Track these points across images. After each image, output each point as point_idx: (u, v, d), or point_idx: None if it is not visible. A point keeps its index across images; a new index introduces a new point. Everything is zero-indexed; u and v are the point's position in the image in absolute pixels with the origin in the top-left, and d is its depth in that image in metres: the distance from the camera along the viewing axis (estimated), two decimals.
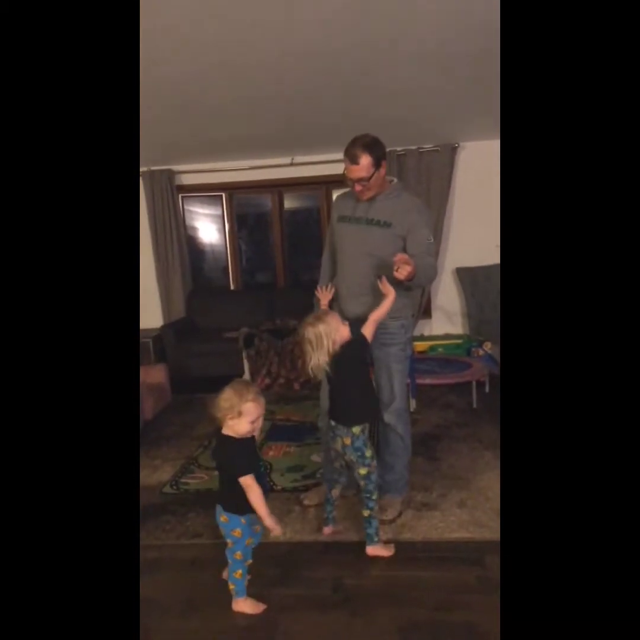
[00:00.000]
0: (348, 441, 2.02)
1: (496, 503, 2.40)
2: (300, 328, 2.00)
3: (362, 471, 2.04)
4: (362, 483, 2.06)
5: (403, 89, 3.49)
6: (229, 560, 1.83)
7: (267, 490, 1.98)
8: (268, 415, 3.75)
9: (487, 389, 3.94)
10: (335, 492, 2.19)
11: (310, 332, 1.93)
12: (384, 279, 2.03)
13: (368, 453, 2.03)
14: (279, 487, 2.68)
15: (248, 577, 1.87)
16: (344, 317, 2.32)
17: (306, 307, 2.45)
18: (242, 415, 1.74)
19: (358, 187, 2.14)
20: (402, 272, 1.94)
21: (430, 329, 4.99)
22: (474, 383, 3.70)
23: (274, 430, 3.46)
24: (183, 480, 2.83)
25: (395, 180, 2.30)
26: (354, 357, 2.00)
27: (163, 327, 4.66)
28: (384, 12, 2.52)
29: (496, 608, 1.76)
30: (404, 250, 2.14)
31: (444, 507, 2.41)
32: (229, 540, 1.82)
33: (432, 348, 4.55)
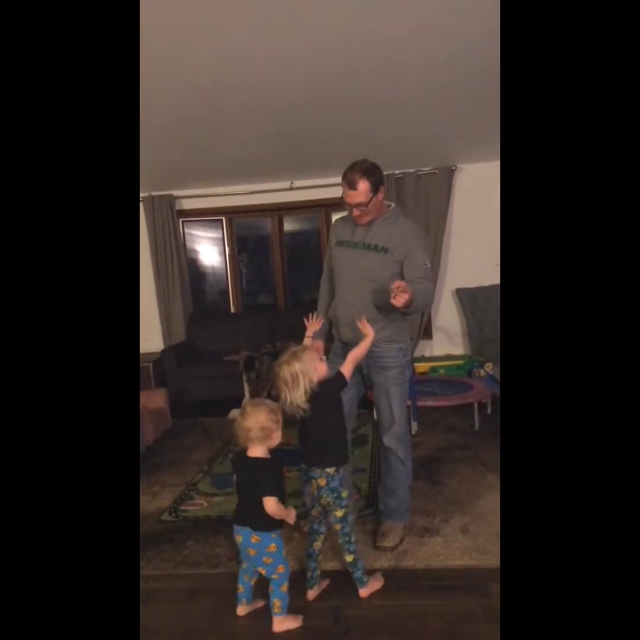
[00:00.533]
0: (323, 482, 1.91)
1: (499, 528, 2.36)
2: (275, 367, 1.91)
3: (339, 513, 1.92)
4: (338, 526, 1.94)
5: (402, 111, 3.54)
6: (274, 576, 1.84)
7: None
8: None
9: (489, 411, 3.91)
10: (318, 545, 2.01)
11: (285, 372, 1.85)
12: (363, 319, 2.00)
13: (344, 493, 1.93)
14: None
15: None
16: (342, 341, 2.32)
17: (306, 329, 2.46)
18: (278, 430, 1.85)
19: (356, 212, 2.16)
20: (399, 300, 1.94)
21: (431, 350, 4.98)
22: (475, 404, 3.67)
23: (273, 454, 3.42)
24: (182, 507, 2.80)
25: (393, 205, 2.31)
26: (332, 396, 1.94)
27: (163, 351, 4.66)
28: (382, 36, 2.56)
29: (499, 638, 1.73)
30: (401, 275, 2.15)
31: (446, 532, 2.37)
32: (266, 558, 1.83)
33: (433, 369, 4.53)
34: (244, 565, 1.93)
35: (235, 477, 1.99)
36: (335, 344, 2.40)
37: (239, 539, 1.87)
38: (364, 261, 2.20)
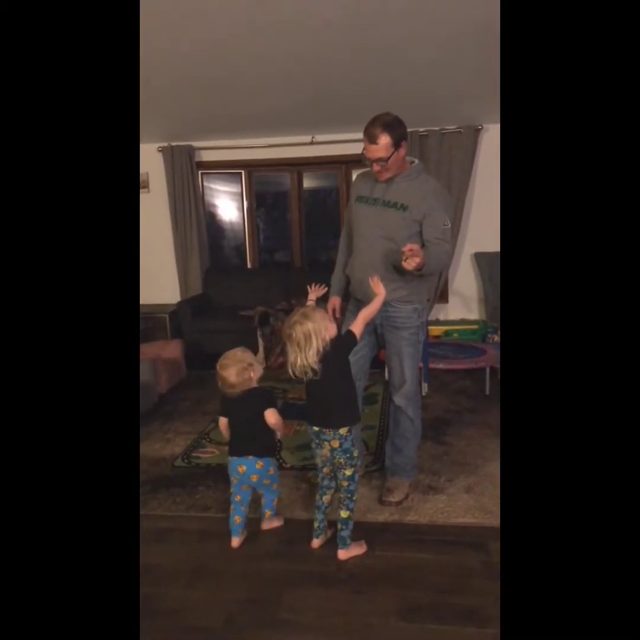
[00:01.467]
0: (336, 444, 1.94)
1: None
2: (285, 328, 1.91)
3: (348, 472, 1.97)
4: (345, 483, 1.99)
5: (427, 66, 3.42)
6: (268, 495, 2.18)
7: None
8: (280, 393, 3.79)
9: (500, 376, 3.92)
10: (327, 499, 2.07)
11: (298, 331, 1.84)
12: (376, 277, 2.01)
13: (355, 453, 1.98)
14: (288, 465, 2.72)
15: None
16: (357, 299, 2.31)
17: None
18: (252, 363, 2.09)
19: (376, 167, 2.12)
20: (410, 263, 1.94)
21: (446, 313, 4.96)
22: (487, 369, 3.68)
23: (286, 408, 3.49)
24: (194, 454, 2.88)
25: (416, 161, 2.25)
26: (342, 355, 1.95)
27: (179, 303, 4.70)
28: None
29: (498, 593, 1.79)
30: (420, 234, 2.13)
31: (451, 491, 2.42)
32: (266, 480, 2.12)
33: (447, 333, 4.53)
34: (238, 498, 2.11)
35: (228, 419, 2.14)
36: (351, 302, 2.41)
37: (242, 469, 2.07)
38: (382, 219, 2.18)
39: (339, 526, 2.01)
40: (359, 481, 2.05)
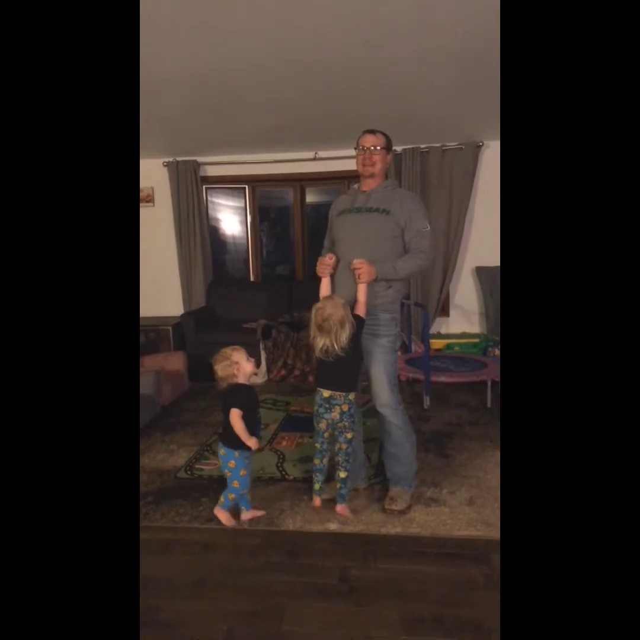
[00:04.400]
0: (346, 408, 2.26)
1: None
2: (319, 317, 2.17)
3: (349, 435, 2.28)
4: (344, 446, 2.29)
5: (429, 83, 3.47)
6: (228, 485, 2.28)
7: (257, 433, 2.29)
8: (283, 406, 3.80)
9: None
10: (326, 461, 2.35)
11: (335, 319, 2.13)
12: (354, 264, 2.22)
13: (356, 418, 2.33)
14: (290, 477, 2.73)
15: (248, 509, 2.36)
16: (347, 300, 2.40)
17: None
18: (239, 362, 2.23)
19: (365, 160, 2.31)
20: (363, 277, 2.19)
21: (448, 327, 4.98)
22: (488, 382, 3.69)
23: (288, 421, 3.50)
24: (197, 466, 2.89)
25: (392, 179, 2.55)
26: (356, 334, 2.22)
27: (183, 316, 4.73)
28: (403, 9, 2.52)
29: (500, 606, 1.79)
30: (401, 238, 2.31)
31: (453, 503, 2.42)
32: (227, 471, 2.26)
33: (448, 346, 4.55)
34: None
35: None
36: None
37: (222, 452, 2.27)
38: (365, 223, 2.32)
39: (338, 485, 2.32)
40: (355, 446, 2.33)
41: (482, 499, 2.45)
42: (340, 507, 2.31)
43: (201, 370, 4.38)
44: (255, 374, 2.34)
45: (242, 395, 2.25)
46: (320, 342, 2.19)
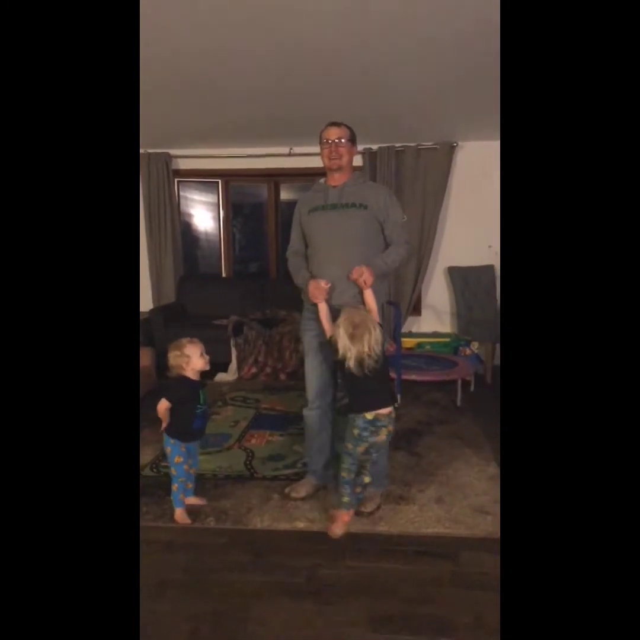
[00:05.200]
0: (392, 428, 2.13)
1: (473, 500, 2.42)
2: (348, 319, 2.03)
3: (385, 445, 2.23)
4: (374, 456, 2.19)
5: (405, 83, 3.48)
6: (173, 470, 2.30)
7: (198, 428, 2.30)
8: (253, 403, 3.76)
9: (472, 388, 3.96)
10: (352, 476, 2.19)
11: (368, 324, 2.02)
12: (354, 274, 2.16)
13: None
14: (259, 475, 2.69)
15: (187, 496, 2.37)
16: (341, 304, 2.31)
17: (297, 299, 2.46)
18: (190, 356, 2.23)
19: (331, 153, 2.27)
20: (367, 282, 2.15)
21: (419, 326, 5.01)
22: (459, 381, 3.72)
23: (258, 419, 3.46)
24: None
25: (359, 172, 2.47)
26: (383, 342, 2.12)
27: (152, 311, 4.63)
28: (383, 10, 2.51)
29: (468, 603, 1.79)
30: (381, 231, 2.30)
31: (422, 502, 2.42)
32: (172, 469, 2.29)
33: (419, 345, 4.57)
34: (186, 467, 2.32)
35: None
36: (305, 308, 2.40)
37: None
38: (344, 220, 2.26)
39: (359, 489, 2.20)
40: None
41: (451, 497, 2.46)
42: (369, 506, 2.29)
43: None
44: (207, 370, 2.32)
45: (180, 390, 2.26)
46: (355, 352, 2.00)
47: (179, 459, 2.27)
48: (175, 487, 2.28)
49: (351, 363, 2.01)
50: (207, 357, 2.29)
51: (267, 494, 2.49)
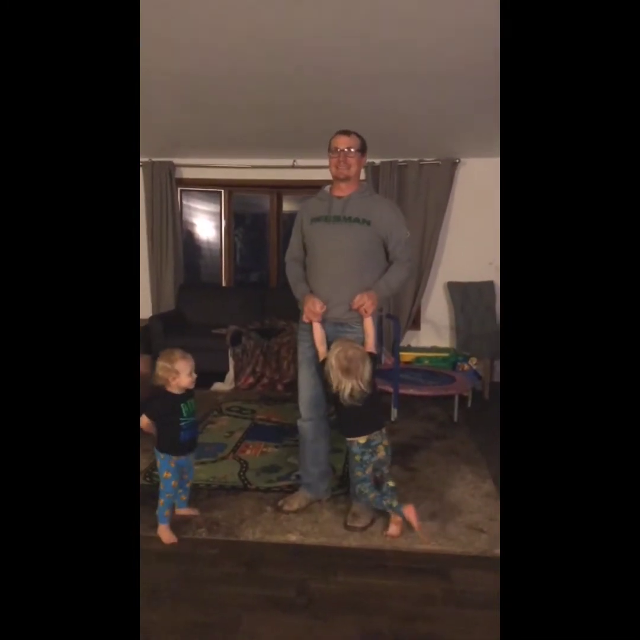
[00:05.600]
0: (387, 442, 2.21)
1: (467, 517, 2.41)
2: (341, 353, 2.08)
3: (387, 461, 2.24)
4: (387, 470, 2.23)
5: (408, 99, 3.52)
6: (161, 485, 2.23)
7: (186, 439, 2.23)
8: (249, 414, 3.75)
9: (469, 404, 3.95)
10: (374, 495, 2.20)
11: (358, 353, 2.09)
12: (355, 304, 2.17)
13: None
14: (252, 487, 2.68)
15: (180, 507, 2.36)
16: (335, 318, 2.30)
17: (296, 310, 2.45)
18: (179, 372, 2.16)
19: (339, 163, 2.24)
20: (367, 311, 2.16)
21: (418, 340, 5.01)
22: (456, 397, 3.71)
23: (253, 430, 3.45)
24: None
25: (366, 183, 2.39)
26: (372, 370, 2.16)
27: (151, 318, 4.64)
28: (386, 29, 2.54)
29: (459, 621, 1.78)
30: (383, 248, 2.28)
31: None
32: (161, 484, 2.23)
33: (418, 359, 4.56)
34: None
35: None
36: (301, 324, 2.38)
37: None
38: (346, 234, 2.23)
39: (387, 499, 2.19)
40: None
41: (445, 514, 2.44)
42: (409, 510, 2.16)
43: None
44: (191, 388, 2.24)
45: (160, 406, 2.20)
46: (348, 386, 2.07)
47: (167, 474, 2.22)
48: (161, 502, 2.22)
49: (345, 395, 2.08)
50: (194, 376, 2.21)
51: (260, 505, 2.48)
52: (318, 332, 2.24)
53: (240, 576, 2.00)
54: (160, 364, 2.19)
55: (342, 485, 2.67)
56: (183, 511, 2.35)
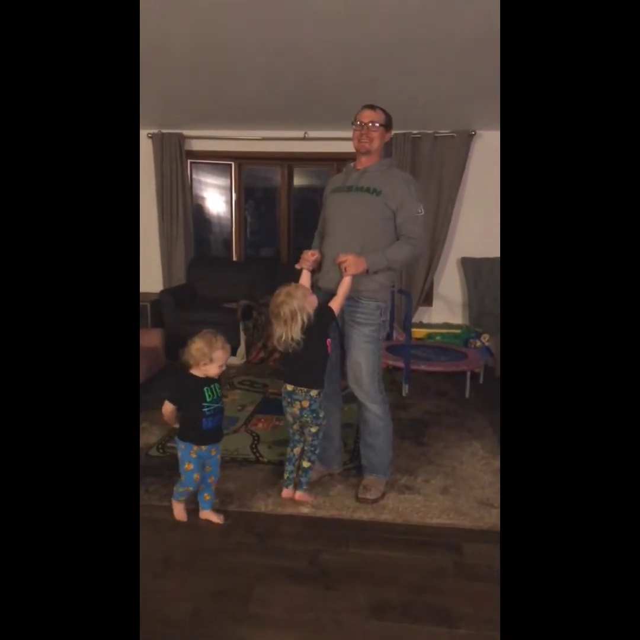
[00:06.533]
0: (306, 404, 2.18)
1: (479, 492, 2.41)
2: (272, 308, 2.10)
3: (314, 429, 2.23)
4: (309, 439, 2.25)
5: (423, 69, 3.42)
6: (182, 476, 2.13)
7: (209, 429, 2.09)
8: (260, 388, 3.76)
9: (481, 380, 3.93)
10: (297, 451, 2.31)
11: (285, 310, 2.05)
12: (342, 256, 2.14)
13: (321, 413, 2.22)
14: (264, 459, 2.69)
15: (205, 508, 2.20)
16: (320, 289, 2.32)
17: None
18: (213, 361, 2.04)
19: (361, 134, 2.22)
20: (349, 269, 2.11)
21: (430, 317, 4.97)
22: (468, 373, 3.69)
23: (265, 403, 3.46)
24: (170, 444, 2.83)
25: (388, 158, 2.42)
26: (321, 326, 2.13)
27: (162, 292, 4.64)
28: None
29: (470, 594, 1.79)
30: (393, 220, 2.23)
31: (427, 492, 2.41)
32: (182, 476, 2.12)
33: (430, 336, 4.54)
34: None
35: None
36: (315, 293, 2.33)
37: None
38: (355, 203, 2.24)
39: (300, 473, 2.29)
40: (321, 437, 2.28)
41: (456, 488, 2.45)
42: (299, 494, 2.28)
43: (179, 348, 4.31)
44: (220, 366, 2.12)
45: (183, 389, 2.08)
46: (277, 332, 2.09)
47: (188, 466, 2.08)
48: (180, 490, 2.13)
49: (274, 340, 2.13)
50: (223, 368, 2.11)
51: (272, 478, 2.50)
52: (305, 279, 2.29)
53: (253, 546, 2.02)
54: (199, 345, 2.03)
55: (352, 460, 2.68)
56: (207, 514, 2.16)
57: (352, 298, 2.22)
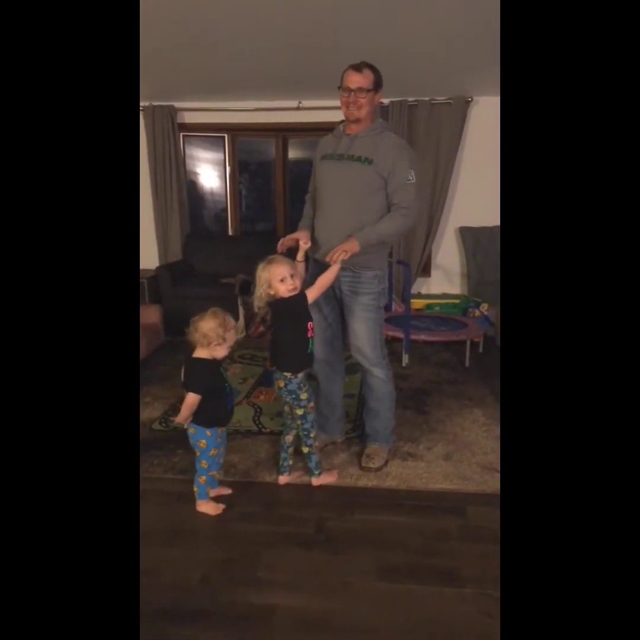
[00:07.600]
0: (282, 384, 2.14)
1: (481, 457, 2.43)
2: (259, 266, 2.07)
3: (299, 411, 2.15)
4: (298, 422, 2.17)
5: (419, 34, 3.33)
6: (196, 468, 2.03)
7: (230, 408, 2.10)
8: (260, 361, 3.76)
9: (480, 349, 3.94)
10: (289, 439, 2.24)
11: (257, 272, 2.03)
12: (338, 248, 2.05)
13: (303, 395, 2.13)
14: (267, 430, 2.70)
15: (214, 488, 2.14)
16: (316, 261, 2.29)
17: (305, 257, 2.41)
18: (225, 342, 1.96)
19: (351, 101, 2.10)
20: (335, 260, 2.04)
21: (428, 287, 4.95)
22: (468, 342, 3.69)
23: (266, 376, 3.46)
24: (172, 418, 2.84)
25: (380, 120, 2.26)
26: (291, 312, 2.07)
27: (159, 268, 4.59)
28: None
29: (475, 555, 1.81)
30: (384, 189, 2.14)
31: (430, 458, 2.43)
32: (196, 451, 2.02)
33: (428, 306, 4.53)
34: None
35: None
36: (311, 263, 2.33)
37: (191, 430, 2.04)
38: (346, 173, 2.15)
39: (306, 460, 2.23)
40: (315, 422, 2.21)
41: (459, 454, 2.47)
42: (314, 480, 2.22)
43: (177, 324, 4.30)
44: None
45: (206, 377, 1.99)
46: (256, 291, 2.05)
47: (214, 451, 2.02)
48: (203, 479, 2.03)
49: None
50: (228, 351, 2.04)
51: (275, 448, 2.51)
52: (300, 255, 2.23)
53: (259, 515, 2.04)
54: (213, 325, 1.93)
55: (355, 429, 2.70)
56: (218, 491, 2.16)
57: (349, 269, 2.18)
